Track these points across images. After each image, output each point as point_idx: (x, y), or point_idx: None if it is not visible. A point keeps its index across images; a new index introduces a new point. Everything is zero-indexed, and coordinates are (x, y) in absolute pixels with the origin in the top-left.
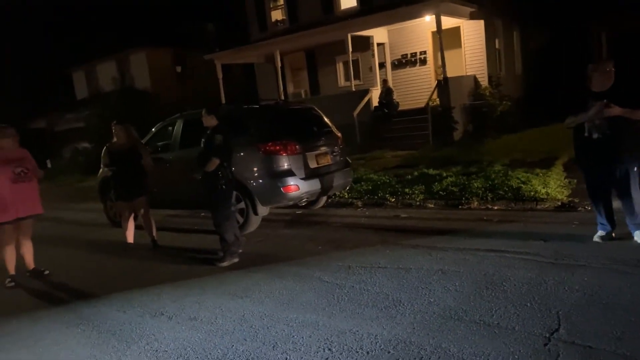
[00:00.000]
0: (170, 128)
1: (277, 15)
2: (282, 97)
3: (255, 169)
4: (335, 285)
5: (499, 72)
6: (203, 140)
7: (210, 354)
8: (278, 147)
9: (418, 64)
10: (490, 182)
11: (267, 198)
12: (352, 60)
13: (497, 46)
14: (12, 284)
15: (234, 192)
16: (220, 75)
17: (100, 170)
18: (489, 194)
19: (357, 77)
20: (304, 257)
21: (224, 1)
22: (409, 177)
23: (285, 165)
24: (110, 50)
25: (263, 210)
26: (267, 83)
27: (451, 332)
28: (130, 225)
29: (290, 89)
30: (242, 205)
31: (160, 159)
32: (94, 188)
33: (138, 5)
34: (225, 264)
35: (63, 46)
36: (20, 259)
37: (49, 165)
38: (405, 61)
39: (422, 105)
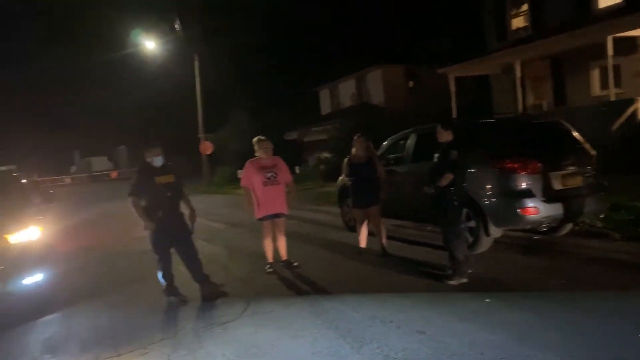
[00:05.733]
0: (402, 142)
1: (518, 22)
2: (521, 110)
3: (489, 186)
4: (587, 328)
5: None
6: (437, 155)
7: None
8: (516, 165)
9: None
10: None
11: (501, 219)
12: (612, 66)
13: None
14: (270, 270)
15: (465, 210)
16: (453, 89)
17: (340, 177)
18: None
19: (617, 84)
20: (542, 289)
21: (458, 15)
22: None
23: (524, 185)
24: (351, 69)
25: (495, 232)
26: (502, 95)
27: None
28: (364, 231)
29: (530, 100)
30: (472, 223)
31: (392, 171)
32: (332, 193)
33: (376, 26)
34: (454, 282)
35: (312, 68)
36: (275, 250)
37: (297, 171)
38: None
39: None
